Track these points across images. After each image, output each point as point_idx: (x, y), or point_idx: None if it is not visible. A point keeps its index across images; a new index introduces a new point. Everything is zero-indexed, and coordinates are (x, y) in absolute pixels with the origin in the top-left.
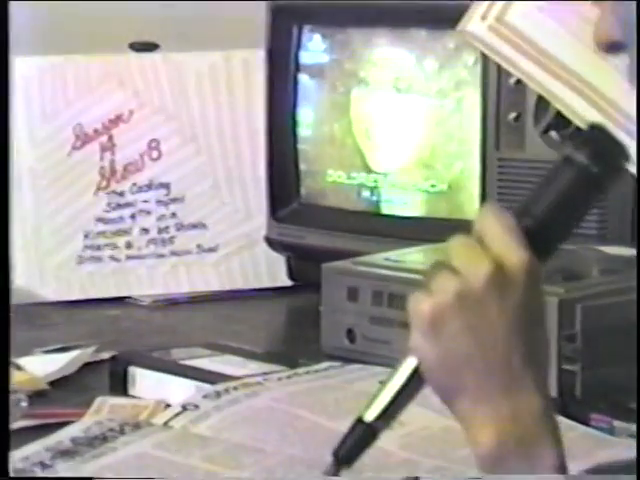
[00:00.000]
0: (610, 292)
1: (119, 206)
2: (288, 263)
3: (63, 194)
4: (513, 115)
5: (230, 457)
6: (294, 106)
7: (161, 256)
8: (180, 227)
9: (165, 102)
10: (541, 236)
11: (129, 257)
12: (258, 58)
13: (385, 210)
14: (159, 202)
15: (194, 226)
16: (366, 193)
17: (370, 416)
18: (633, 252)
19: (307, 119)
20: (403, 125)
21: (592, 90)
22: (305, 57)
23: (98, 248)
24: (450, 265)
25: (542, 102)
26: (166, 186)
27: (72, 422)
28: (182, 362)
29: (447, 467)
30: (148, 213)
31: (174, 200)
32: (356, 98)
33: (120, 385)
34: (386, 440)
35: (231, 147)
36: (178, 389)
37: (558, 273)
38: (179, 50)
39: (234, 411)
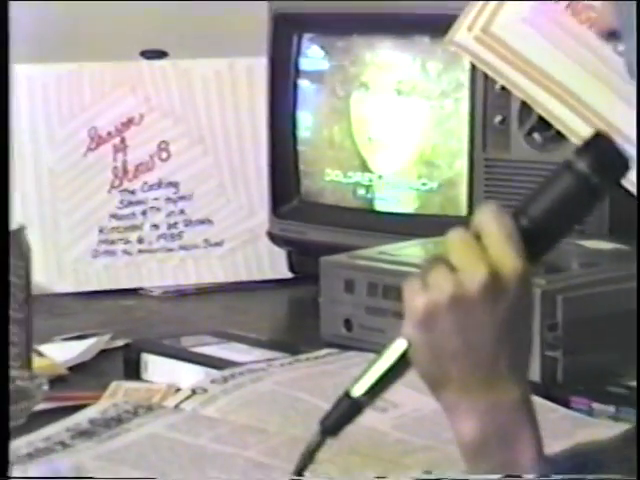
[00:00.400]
0: (589, 284)
1: (131, 203)
2: (289, 257)
3: (79, 192)
4: (499, 118)
5: (236, 437)
6: (294, 110)
7: (170, 250)
8: (188, 223)
9: (174, 106)
10: (535, 237)
11: (141, 251)
12: (260, 65)
13: (379, 207)
14: (168, 200)
15: (201, 222)
16: (361, 191)
17: (357, 392)
18: (611, 246)
19: (306, 122)
20: (403, 127)
21: (572, 96)
22: (305, 64)
23: (112, 242)
24: (448, 261)
25: (526, 106)
26: (175, 185)
27: (90, 405)
28: (191, 349)
29: (436, 446)
30: (158, 210)
31: (182, 198)
32: (356, 101)
33: (134, 370)
34: (381, 421)
35: (236, 148)
36: (188, 374)
37: (540, 266)
38: (187, 57)
39: (240, 394)
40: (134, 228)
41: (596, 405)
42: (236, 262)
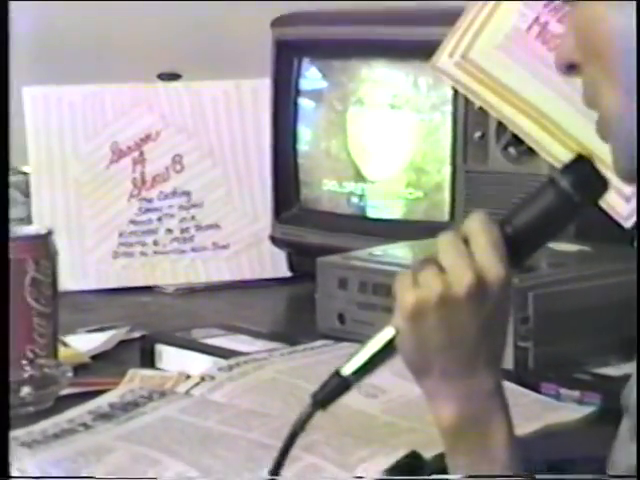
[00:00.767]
0: (557, 282)
1: (148, 210)
2: (289, 257)
3: (102, 200)
4: (479, 134)
5: (241, 420)
6: (295, 126)
7: (182, 252)
8: (199, 228)
9: (187, 123)
10: (518, 245)
11: (156, 253)
12: (264, 86)
13: (370, 214)
14: (181, 207)
15: (210, 227)
16: (355, 199)
17: (346, 371)
18: (576, 248)
19: (306, 137)
20: (396, 137)
21: (543, 117)
22: (304, 84)
23: (130, 245)
24: (438, 262)
25: (502, 123)
26: (187, 194)
27: (109, 390)
28: (201, 340)
29: (420, 429)
30: (172, 216)
31: (194, 205)
32: (353, 116)
33: (149, 359)
34: (370, 406)
35: (242, 160)
36: (197, 363)
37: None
38: (198, 79)
39: (244, 381)
40: (150, 232)
41: (563, 390)
42: (241, 263)
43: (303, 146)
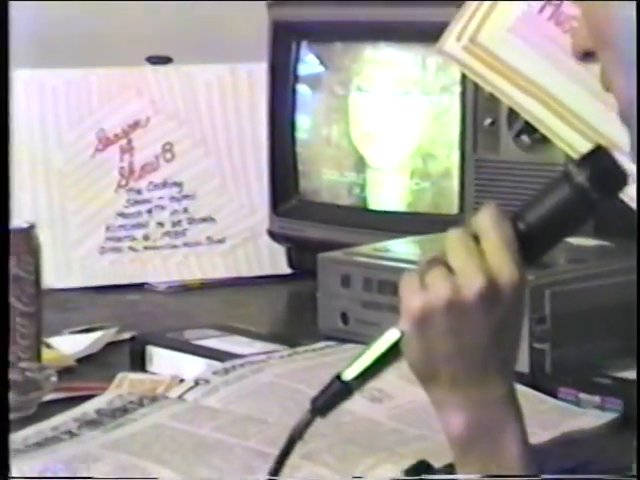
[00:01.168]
0: (576, 279)
1: (137, 202)
2: (288, 253)
3: (87, 192)
4: (489, 121)
5: (237, 427)
6: (293, 113)
7: (174, 247)
8: (191, 221)
9: (178, 109)
10: (531, 242)
11: (146, 248)
12: (260, 70)
13: (373, 205)
14: (172, 199)
15: (204, 220)
16: (356, 190)
17: (348, 375)
18: (595, 243)
19: (305, 125)
20: (401, 123)
21: (555, 101)
22: (303, 69)
23: (118, 240)
24: (446, 262)
25: (514, 109)
26: (179, 184)
27: (96, 395)
28: (194, 342)
29: (429, 436)
30: (163, 208)
31: (186, 197)
32: (355, 101)
33: (139, 362)
34: (375, 412)
35: (237, 149)
36: (191, 366)
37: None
38: (190, 63)
39: (241, 386)
40: (140, 226)
41: (583, 395)
42: (237, 258)
43: (302, 134)
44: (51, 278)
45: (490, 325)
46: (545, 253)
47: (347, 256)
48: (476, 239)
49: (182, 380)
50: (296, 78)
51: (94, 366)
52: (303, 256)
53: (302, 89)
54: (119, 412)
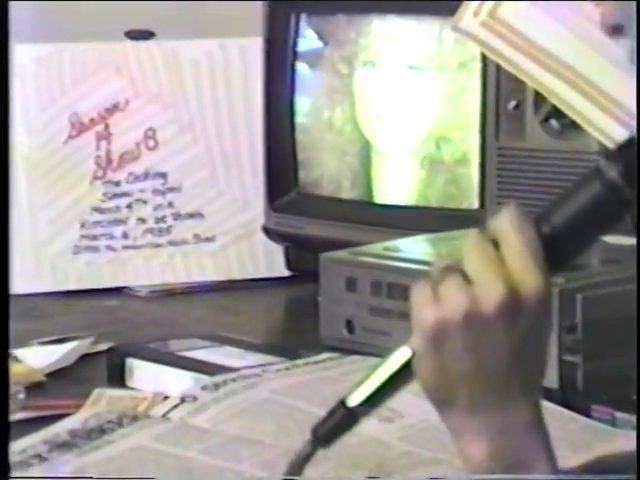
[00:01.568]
0: (611, 282)
1: (115, 196)
2: (286, 253)
3: (59, 183)
4: (513, 103)
5: (228, 449)
6: (292, 95)
7: (158, 246)
8: (177, 217)
9: (161, 90)
10: (557, 247)
11: (126, 247)
12: (254, 46)
13: (380, 199)
14: (156, 191)
15: (191, 216)
16: (362, 181)
17: (353, 401)
18: (633, 241)
19: (304, 108)
20: (413, 104)
21: (585, 82)
22: (303, 45)
23: (94, 238)
24: (463, 271)
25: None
26: (163, 175)
27: (70, 414)
28: (180, 353)
29: (446, 460)
30: (145, 203)
31: (171, 189)
32: (361, 79)
33: (118, 377)
34: (385, 432)
35: (228, 136)
36: (176, 381)
37: None
38: (175, 38)
39: (232, 403)
40: (118, 222)
41: (619, 414)
42: (229, 259)
43: (301, 118)
44: (18, 282)
45: (512, 341)
46: (573, 258)
47: (352, 256)
48: (496, 245)
49: (166, 397)
50: (294, 55)
51: (67, 381)
52: (303, 256)
53: (301, 67)
54: (95, 433)
